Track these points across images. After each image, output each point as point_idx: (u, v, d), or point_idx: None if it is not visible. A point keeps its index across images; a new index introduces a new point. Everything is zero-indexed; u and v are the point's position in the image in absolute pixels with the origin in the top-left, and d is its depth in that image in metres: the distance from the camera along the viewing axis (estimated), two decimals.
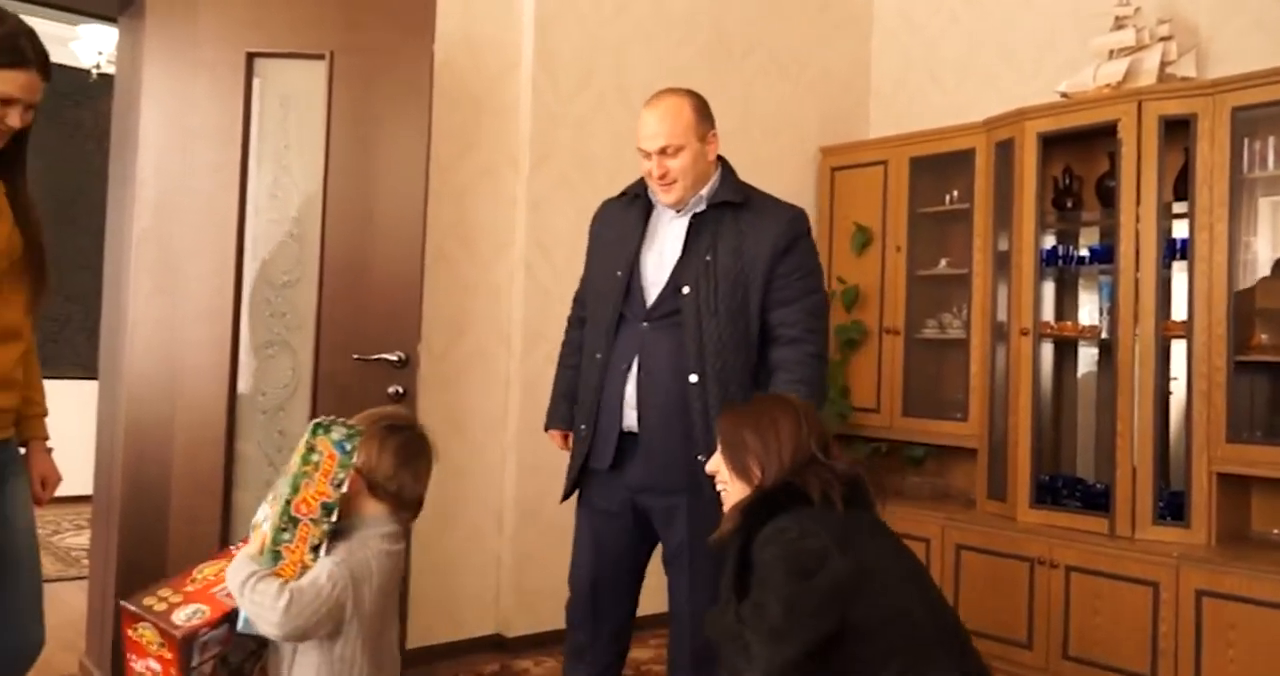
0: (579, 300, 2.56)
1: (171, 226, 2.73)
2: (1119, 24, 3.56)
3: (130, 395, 2.73)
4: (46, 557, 1.97)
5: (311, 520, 1.62)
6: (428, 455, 1.79)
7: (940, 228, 4.04)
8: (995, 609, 3.34)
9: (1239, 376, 3.07)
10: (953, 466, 4.05)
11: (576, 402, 2.43)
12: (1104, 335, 3.47)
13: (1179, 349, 3.22)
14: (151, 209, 2.74)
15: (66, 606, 3.50)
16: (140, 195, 2.75)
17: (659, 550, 2.36)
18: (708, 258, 2.22)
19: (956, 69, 4.29)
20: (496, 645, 3.44)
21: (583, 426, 2.34)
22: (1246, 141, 3.09)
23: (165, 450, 2.70)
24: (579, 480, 2.38)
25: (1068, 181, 3.64)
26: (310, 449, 1.62)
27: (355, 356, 2.75)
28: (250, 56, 2.74)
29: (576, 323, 2.53)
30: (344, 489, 1.64)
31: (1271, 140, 3.08)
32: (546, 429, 2.55)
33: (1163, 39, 3.44)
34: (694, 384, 2.19)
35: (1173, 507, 3.16)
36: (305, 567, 1.62)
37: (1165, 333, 3.19)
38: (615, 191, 2.52)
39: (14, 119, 1.78)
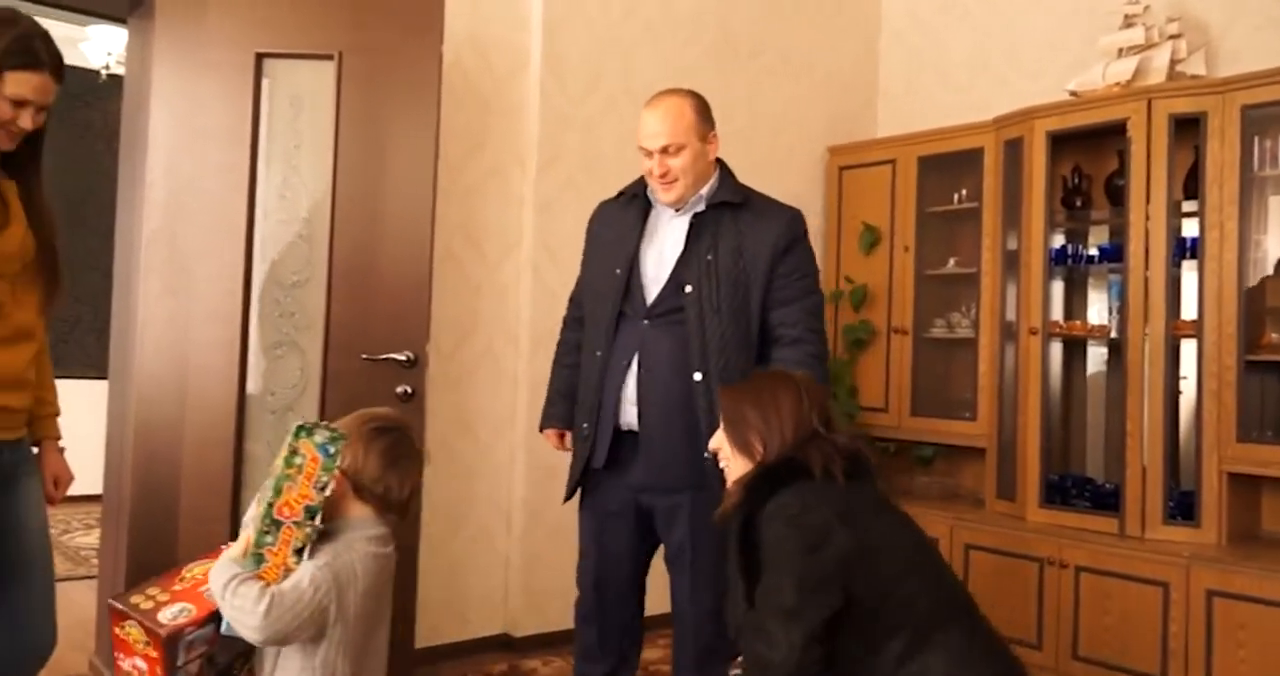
0: (575, 300, 2.57)
1: (181, 227, 2.74)
2: (1128, 22, 3.54)
3: (140, 395, 2.74)
4: (56, 557, 1.98)
5: (294, 523, 1.61)
6: (415, 457, 1.76)
7: (949, 227, 4.03)
8: (1004, 609, 3.33)
9: (1249, 376, 3.06)
10: (961, 466, 4.04)
11: (572, 401, 2.45)
12: (1113, 334, 3.46)
13: (1189, 348, 3.21)
14: (161, 209, 2.75)
15: (76, 606, 3.51)
16: (150, 196, 2.76)
17: (662, 549, 2.37)
18: (709, 257, 2.24)
19: (965, 68, 4.28)
20: (504, 645, 3.44)
21: (584, 425, 2.34)
22: (1257, 140, 3.08)
23: (175, 450, 2.70)
24: (581, 480, 2.39)
25: (1077, 180, 3.62)
26: (293, 451, 1.61)
27: (364, 356, 2.75)
28: (259, 57, 2.75)
29: (572, 323, 2.54)
30: (327, 492, 1.63)
31: None
32: (542, 428, 2.55)
33: (1172, 37, 3.42)
34: (698, 381, 2.21)
35: (1183, 507, 3.14)
36: (288, 570, 1.60)
37: (1175, 332, 3.18)
38: None
39: (26, 121, 1.79)
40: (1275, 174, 3.10)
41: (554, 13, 3.52)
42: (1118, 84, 3.41)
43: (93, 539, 4.80)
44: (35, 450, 1.99)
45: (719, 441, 1.91)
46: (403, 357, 2.76)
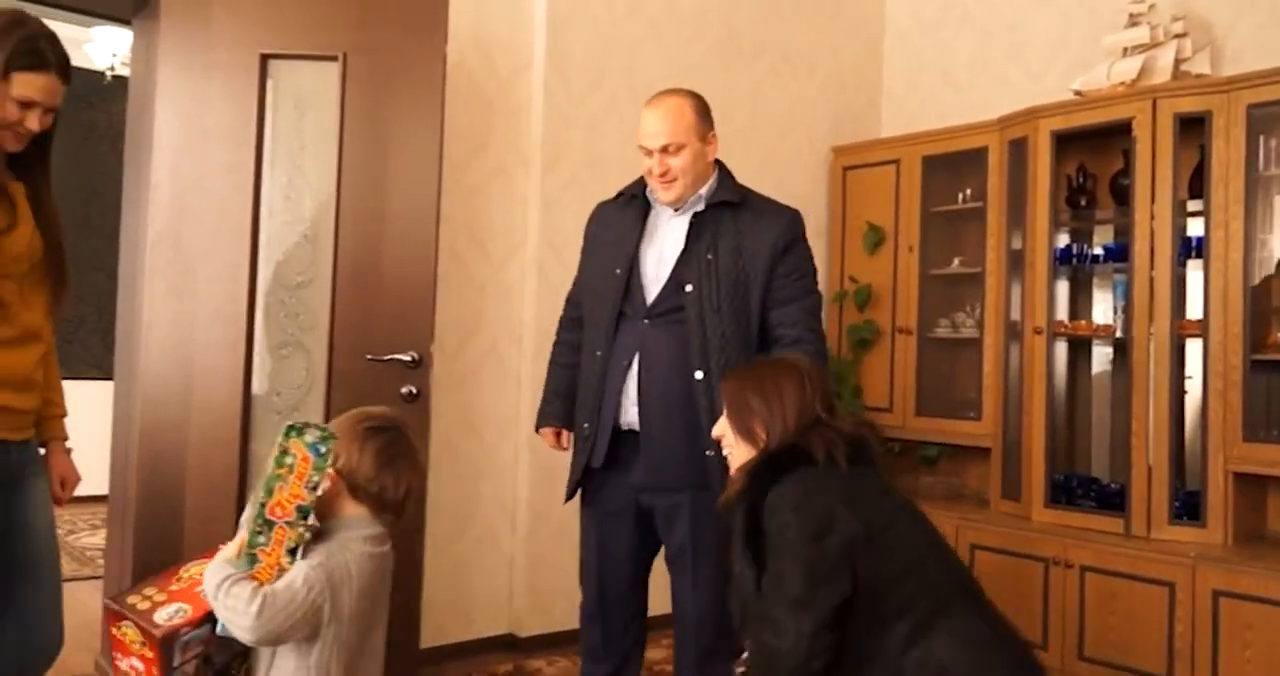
0: (572, 301, 2.57)
1: (186, 228, 2.74)
2: (1133, 21, 3.54)
3: (145, 396, 2.74)
4: (62, 557, 2.00)
5: (287, 523, 1.61)
6: (411, 456, 1.75)
7: (953, 227, 4.02)
8: (1010, 609, 3.27)
9: (1255, 375, 3.05)
10: (966, 466, 4.04)
11: (569, 401, 2.46)
12: (1118, 334, 3.45)
13: (1194, 347, 3.20)
14: (166, 210, 2.75)
15: (82, 606, 3.52)
16: (155, 197, 2.76)
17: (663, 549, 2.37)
18: (709, 256, 2.24)
19: (969, 68, 4.27)
20: (509, 645, 3.44)
21: (585, 425, 2.35)
22: (1262, 139, 3.07)
23: (180, 451, 2.71)
24: (581, 480, 2.39)
25: (1081, 179, 3.62)
26: (283, 451, 1.61)
27: (368, 357, 2.75)
28: (264, 58, 2.75)
29: (569, 323, 2.55)
30: (319, 491, 1.63)
31: None
32: (538, 428, 2.54)
33: (1177, 36, 3.42)
34: (699, 380, 2.21)
35: (1189, 507, 3.14)
36: (282, 570, 1.60)
37: (1180, 331, 3.18)
38: None
39: (33, 122, 1.79)
40: None
41: (557, 11, 3.52)
42: (1122, 83, 3.40)
43: (98, 539, 4.81)
44: (42, 451, 1.99)
45: (722, 428, 1.91)
46: (407, 358, 2.76)
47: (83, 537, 5.01)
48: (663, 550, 2.37)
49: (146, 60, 2.96)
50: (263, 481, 1.61)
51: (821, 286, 4.38)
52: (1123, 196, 3.42)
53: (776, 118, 4.20)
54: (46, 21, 1.88)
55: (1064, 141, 3.47)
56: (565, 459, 2.50)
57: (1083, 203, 3.61)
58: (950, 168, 3.97)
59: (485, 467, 3.43)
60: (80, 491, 2.10)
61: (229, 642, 1.65)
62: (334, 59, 2.77)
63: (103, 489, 3.13)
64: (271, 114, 2.79)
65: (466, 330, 3.38)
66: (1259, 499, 3.17)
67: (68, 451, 2.05)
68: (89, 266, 5.48)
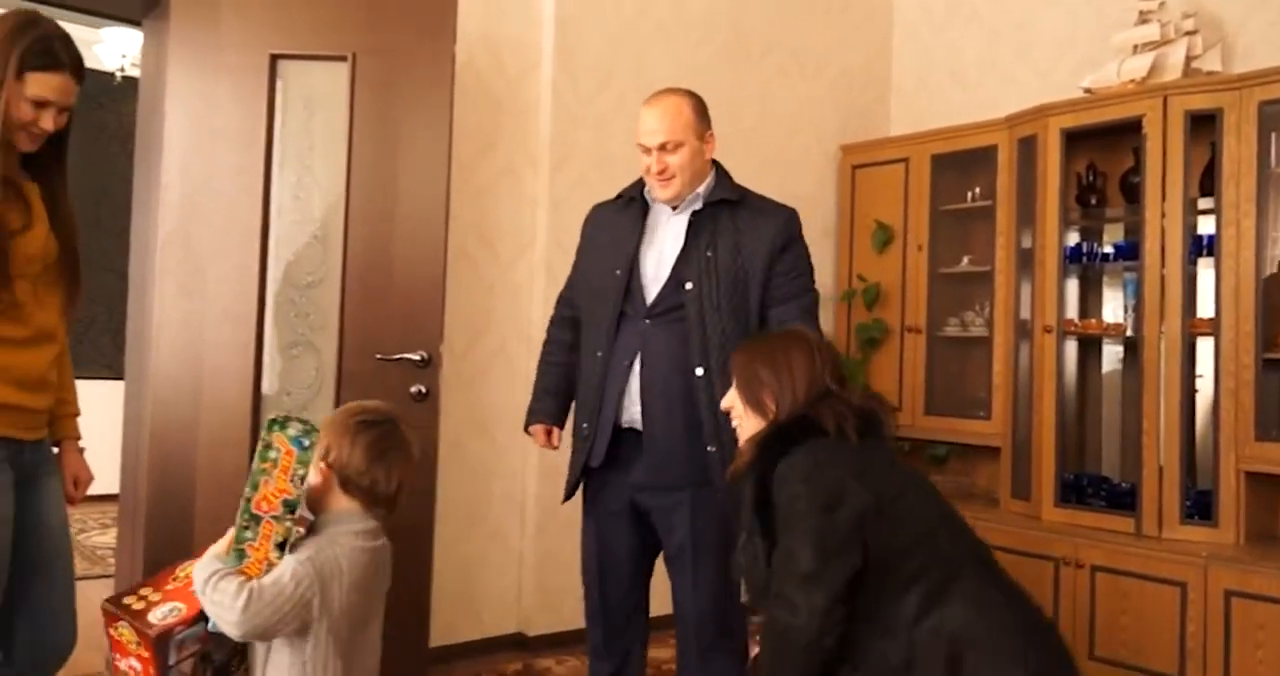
0: (564, 300, 2.57)
1: (196, 228, 2.75)
2: (1143, 19, 3.52)
3: (156, 396, 2.75)
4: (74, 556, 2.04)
5: (274, 517, 1.61)
6: (403, 450, 1.74)
7: (962, 225, 4.01)
8: None
9: (1267, 374, 3.03)
10: (976, 465, 4.03)
11: (560, 399, 2.47)
12: (1129, 333, 3.44)
13: (1205, 346, 3.18)
14: (176, 211, 2.76)
15: (92, 605, 3.51)
16: (165, 197, 2.77)
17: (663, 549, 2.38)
18: (708, 254, 2.25)
19: (977, 66, 4.26)
20: (518, 644, 3.44)
21: (584, 425, 2.35)
22: (1274, 136, 3.05)
23: (190, 450, 2.72)
24: (582, 479, 2.40)
25: (1091, 178, 3.60)
26: (266, 446, 1.61)
27: (378, 356, 2.76)
28: (273, 58, 2.76)
29: (561, 322, 2.55)
30: (305, 484, 1.63)
31: None
32: (528, 426, 2.53)
33: (1188, 33, 3.40)
34: (699, 376, 2.22)
35: (1200, 507, 3.12)
36: (271, 565, 1.60)
37: (1191, 330, 3.16)
38: None
39: (48, 122, 1.80)
40: None
41: (566, 11, 3.52)
42: (1133, 81, 3.39)
43: (109, 538, 4.83)
44: (55, 450, 2.00)
45: (731, 400, 1.91)
46: (417, 357, 2.76)
47: (93, 536, 5.03)
48: (662, 550, 2.37)
49: (156, 61, 2.97)
50: (248, 476, 1.62)
51: (830, 285, 4.38)
52: (1133, 194, 3.40)
53: (785, 117, 4.19)
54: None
55: (1074, 139, 3.46)
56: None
57: (1093, 201, 3.60)
58: (959, 166, 3.96)
59: (494, 466, 3.43)
60: (91, 490, 2.11)
61: (226, 640, 1.65)
62: (343, 59, 2.77)
63: (113, 488, 3.14)
64: (281, 114, 2.80)
65: (475, 329, 3.39)
66: (1271, 498, 3.16)
67: (81, 451, 2.05)
68: (99, 266, 5.50)
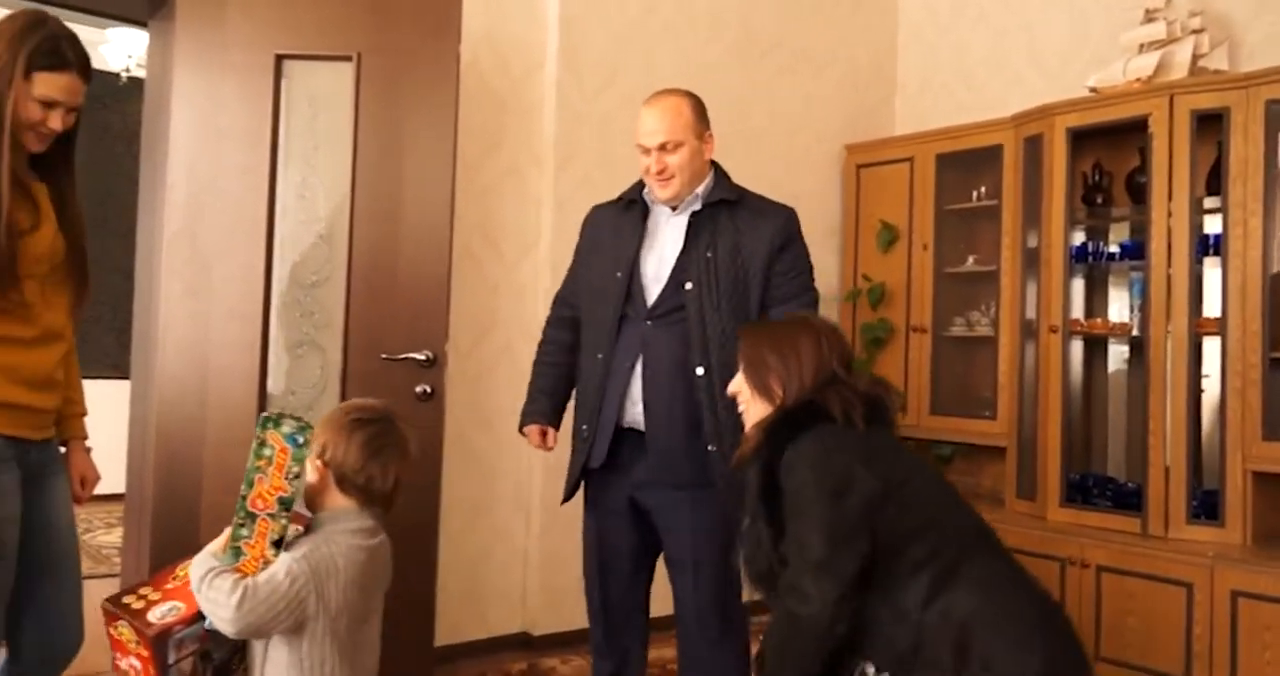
0: (561, 300, 2.57)
1: (201, 228, 2.76)
2: (1149, 17, 3.51)
3: (162, 395, 2.76)
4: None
5: (269, 515, 1.61)
6: (399, 447, 1.74)
7: (967, 225, 4.00)
8: None
9: (1274, 373, 3.02)
10: (982, 465, 4.02)
11: (556, 399, 2.48)
12: (1135, 332, 3.43)
13: (1212, 346, 3.17)
14: (182, 211, 2.77)
15: (97, 604, 3.53)
16: (170, 197, 2.77)
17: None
18: (708, 254, 2.26)
19: (983, 65, 4.25)
20: (523, 643, 3.45)
21: (584, 426, 2.36)
22: None
23: (196, 449, 2.72)
24: (582, 480, 2.41)
25: (1097, 177, 3.59)
26: (261, 443, 1.61)
27: (383, 355, 2.76)
28: (279, 58, 2.76)
29: (559, 322, 2.55)
30: (300, 482, 1.63)
31: None
32: (522, 426, 2.52)
33: (1194, 32, 3.39)
34: (700, 376, 2.23)
35: (1207, 507, 3.11)
36: (267, 562, 1.61)
37: (1198, 329, 3.15)
38: None
39: (56, 122, 1.80)
40: None
41: (570, 10, 3.52)
42: (1139, 80, 3.38)
43: (114, 537, 4.84)
44: (62, 449, 2.00)
45: (738, 385, 1.91)
46: (422, 357, 2.76)
47: (98, 536, 5.04)
48: (663, 549, 2.38)
49: (162, 61, 2.98)
50: (244, 474, 1.62)
51: (835, 285, 4.37)
52: (1139, 194, 3.39)
53: (790, 116, 4.19)
54: None
55: (1080, 139, 3.45)
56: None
57: (1099, 200, 3.59)
58: (965, 165, 3.95)
59: (499, 466, 3.43)
60: (96, 489, 2.11)
61: (227, 638, 1.66)
62: (348, 59, 2.77)
63: (118, 487, 3.14)
64: (286, 114, 2.80)
65: (480, 329, 3.39)
66: (1278, 498, 3.14)
67: (88, 450, 2.06)
68: (104, 266, 5.47)
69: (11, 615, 1.84)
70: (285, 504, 1.62)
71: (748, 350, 1.89)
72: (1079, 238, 3.60)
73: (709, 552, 2.25)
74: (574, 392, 2.49)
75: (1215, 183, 3.18)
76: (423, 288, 2.79)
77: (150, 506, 2.76)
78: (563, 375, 2.49)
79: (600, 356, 2.32)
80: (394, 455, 1.72)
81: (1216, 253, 3.15)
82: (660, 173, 2.27)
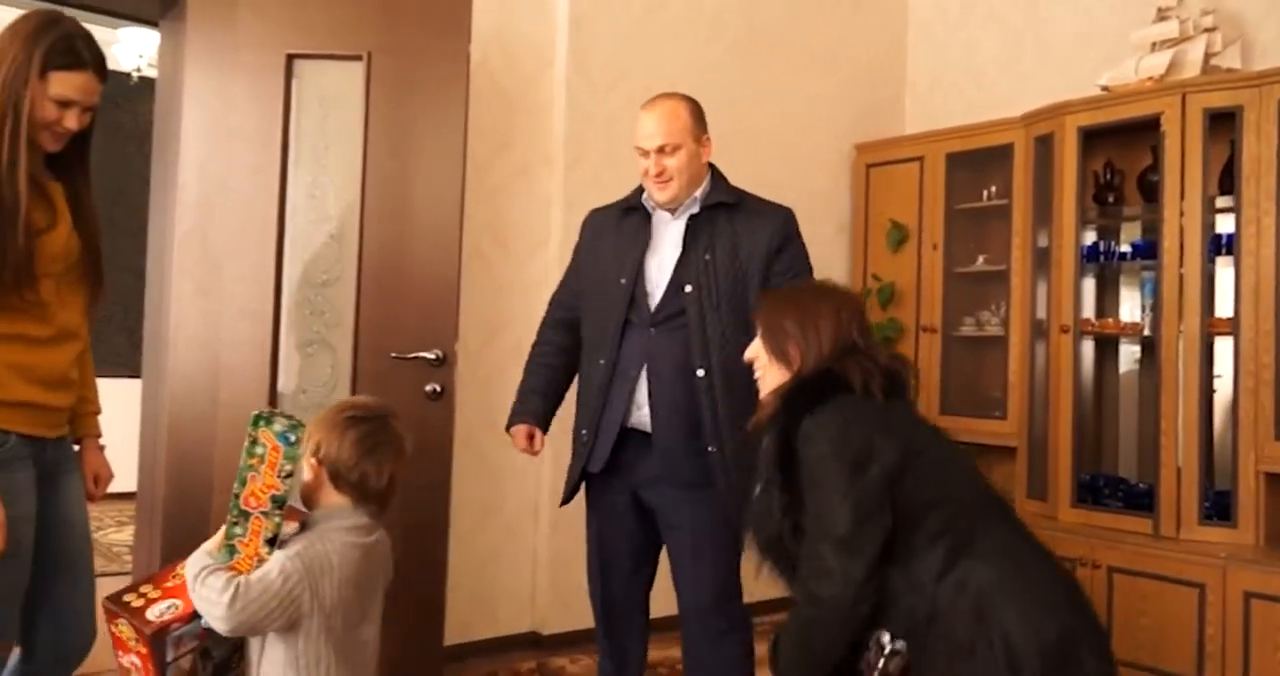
0: (559, 302, 2.58)
1: (213, 227, 2.77)
2: (1162, 16, 3.50)
3: (173, 394, 2.77)
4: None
5: (262, 513, 1.62)
6: (394, 445, 1.74)
7: (978, 224, 3.99)
8: None
9: None
10: (992, 465, 4.00)
11: (546, 400, 2.48)
12: (1146, 332, 3.42)
13: (1224, 346, 3.16)
14: (193, 210, 2.78)
15: None
16: (182, 197, 2.79)
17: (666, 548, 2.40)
18: (707, 256, 2.28)
19: (994, 64, 4.24)
20: (533, 642, 3.45)
21: (583, 431, 2.37)
22: None
23: (207, 448, 2.73)
24: (579, 484, 2.42)
25: (1109, 176, 3.58)
26: (253, 441, 1.62)
27: (393, 355, 2.76)
28: (290, 58, 2.77)
29: (555, 323, 2.55)
30: (293, 480, 1.63)
31: None
32: (510, 426, 2.50)
33: (1207, 30, 3.37)
34: (700, 377, 2.24)
35: (1219, 507, 3.10)
36: (261, 560, 1.61)
37: (1210, 329, 3.14)
38: None
39: (72, 121, 1.80)
40: None
41: (579, 10, 3.52)
42: (1151, 78, 3.36)
43: (125, 535, 4.86)
44: (75, 447, 2.01)
45: (755, 351, 1.89)
46: (431, 356, 2.77)
47: (109, 534, 5.06)
48: (665, 550, 2.40)
49: (173, 61, 2.99)
50: (237, 472, 1.63)
51: (844, 284, 4.35)
52: (1151, 193, 3.38)
53: (798, 115, 4.18)
54: None
55: (1091, 137, 3.44)
56: None
57: (1110, 199, 3.58)
58: (975, 164, 3.94)
59: (509, 465, 3.43)
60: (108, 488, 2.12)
61: (226, 636, 1.66)
62: (358, 59, 2.78)
63: (130, 486, 3.15)
64: (297, 114, 2.81)
65: (490, 328, 3.39)
66: None
67: (101, 448, 2.06)
68: (115, 265, 5.45)
69: (27, 613, 1.84)
70: (278, 502, 1.63)
71: (767, 316, 1.87)
72: (1090, 237, 3.59)
73: (711, 551, 2.27)
74: (567, 395, 2.50)
75: (1228, 182, 3.16)
76: (432, 287, 2.80)
77: (161, 504, 2.77)
78: (556, 377, 2.50)
79: (603, 362, 2.33)
80: (388, 453, 1.72)
81: (1229, 252, 3.13)
82: (659, 175, 2.29)
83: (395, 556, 1.81)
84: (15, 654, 1.89)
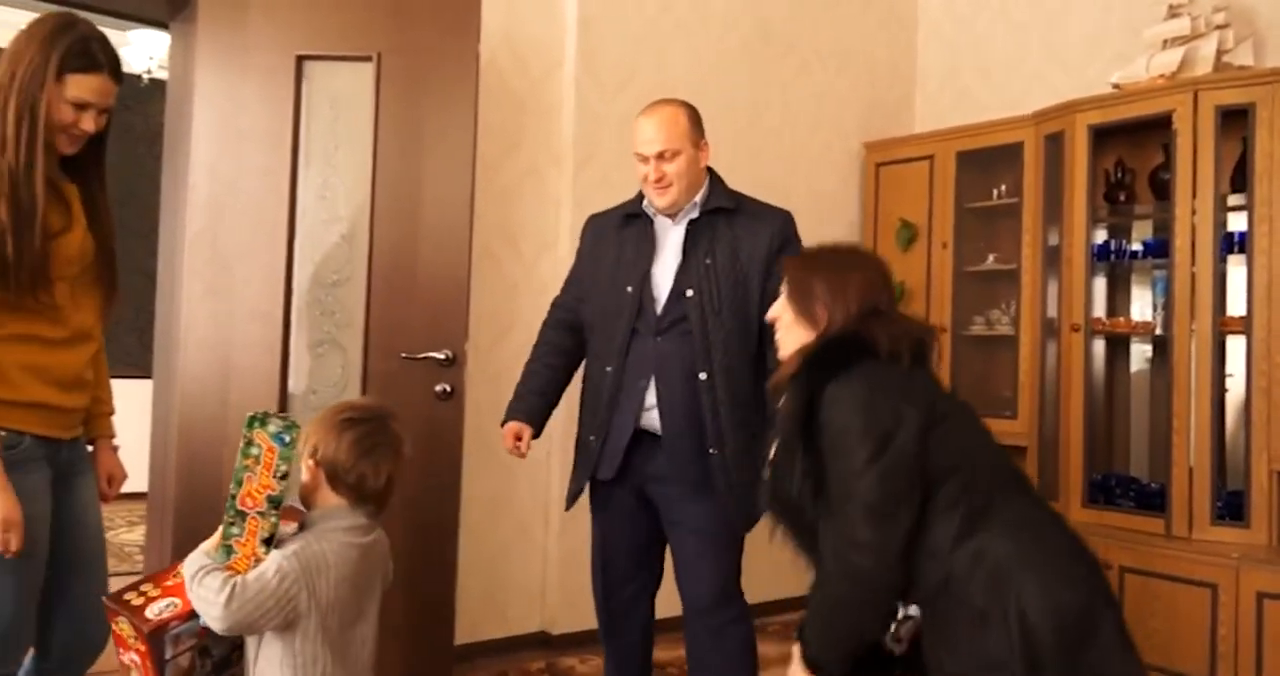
0: (560, 305, 2.59)
1: (223, 228, 2.77)
2: (1173, 13, 3.48)
3: (184, 395, 2.78)
4: None
5: (259, 513, 1.63)
6: (392, 446, 1.75)
7: (988, 223, 3.98)
8: None
9: None
10: None
11: (543, 400, 2.49)
12: (1158, 331, 3.40)
13: (1236, 345, 3.14)
14: (203, 211, 2.78)
15: None
16: (192, 198, 2.79)
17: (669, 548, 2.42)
18: (707, 261, 2.29)
19: (1004, 62, 4.23)
20: (542, 642, 3.45)
21: (591, 437, 2.38)
22: None
23: (218, 448, 2.74)
24: (583, 488, 2.43)
25: (1120, 174, 3.56)
26: (249, 442, 1.63)
27: (403, 355, 2.77)
28: (299, 59, 2.77)
29: (557, 324, 2.56)
30: (289, 480, 1.64)
31: None
32: (504, 422, 2.50)
33: (1219, 27, 3.35)
34: (703, 381, 2.26)
35: (1231, 507, 3.08)
36: (258, 560, 1.62)
37: (1222, 328, 3.12)
38: None
39: (88, 123, 1.81)
40: None
41: (588, 10, 3.52)
42: (1162, 76, 3.34)
43: (136, 535, 4.88)
44: (89, 448, 2.02)
45: (778, 310, 1.85)
46: (442, 356, 2.77)
47: (121, 534, 5.08)
48: (669, 549, 2.41)
49: (184, 63, 3.00)
50: (233, 473, 1.64)
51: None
52: (1162, 191, 3.36)
53: (807, 114, 4.17)
54: None
55: (1102, 136, 3.42)
56: None
57: (1121, 198, 3.56)
58: (985, 163, 3.92)
59: (518, 465, 3.42)
60: None
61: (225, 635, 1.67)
62: (368, 60, 2.78)
63: (141, 486, 3.16)
64: (307, 115, 2.81)
65: (500, 328, 3.39)
66: None
67: (115, 448, 2.07)
68: (126, 267, 5.46)
69: (42, 613, 1.85)
70: (274, 502, 1.64)
71: (796, 276, 1.84)
72: (1101, 235, 3.57)
73: (712, 551, 2.30)
74: (564, 398, 2.52)
75: (1240, 179, 3.15)
76: (443, 287, 2.80)
77: (172, 505, 2.78)
78: (556, 376, 2.51)
79: (610, 370, 2.34)
80: (386, 454, 1.73)
81: (1241, 250, 3.12)
82: (659, 181, 2.30)
83: (405, 556, 1.83)
84: (30, 654, 1.90)
